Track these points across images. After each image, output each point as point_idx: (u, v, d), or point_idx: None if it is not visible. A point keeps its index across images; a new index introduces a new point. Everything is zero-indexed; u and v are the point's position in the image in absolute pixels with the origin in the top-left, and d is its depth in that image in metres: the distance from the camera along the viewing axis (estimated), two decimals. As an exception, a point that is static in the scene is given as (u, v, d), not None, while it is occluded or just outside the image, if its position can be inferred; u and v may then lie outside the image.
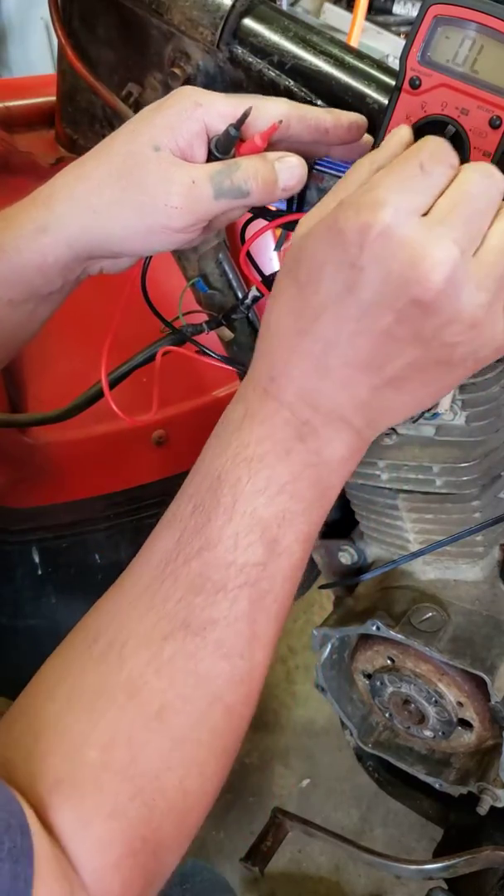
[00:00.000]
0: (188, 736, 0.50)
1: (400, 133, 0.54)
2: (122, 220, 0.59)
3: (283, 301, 0.52)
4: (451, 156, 0.51)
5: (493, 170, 0.51)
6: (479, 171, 0.50)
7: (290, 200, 0.72)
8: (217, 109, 0.59)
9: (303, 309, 0.51)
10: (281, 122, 0.59)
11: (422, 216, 0.48)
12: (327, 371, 0.51)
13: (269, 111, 0.59)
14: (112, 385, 0.95)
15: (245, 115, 0.58)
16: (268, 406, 0.53)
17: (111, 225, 0.60)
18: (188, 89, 0.61)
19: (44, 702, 0.49)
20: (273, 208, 0.72)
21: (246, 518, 0.51)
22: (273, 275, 0.78)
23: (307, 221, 0.52)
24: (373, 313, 0.48)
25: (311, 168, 0.63)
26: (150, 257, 0.68)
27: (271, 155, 0.59)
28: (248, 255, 0.73)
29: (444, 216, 0.47)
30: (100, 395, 0.96)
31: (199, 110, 0.59)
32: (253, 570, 0.51)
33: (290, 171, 0.58)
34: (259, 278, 0.80)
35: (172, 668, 0.50)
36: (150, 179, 0.58)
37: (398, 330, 0.49)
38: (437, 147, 0.51)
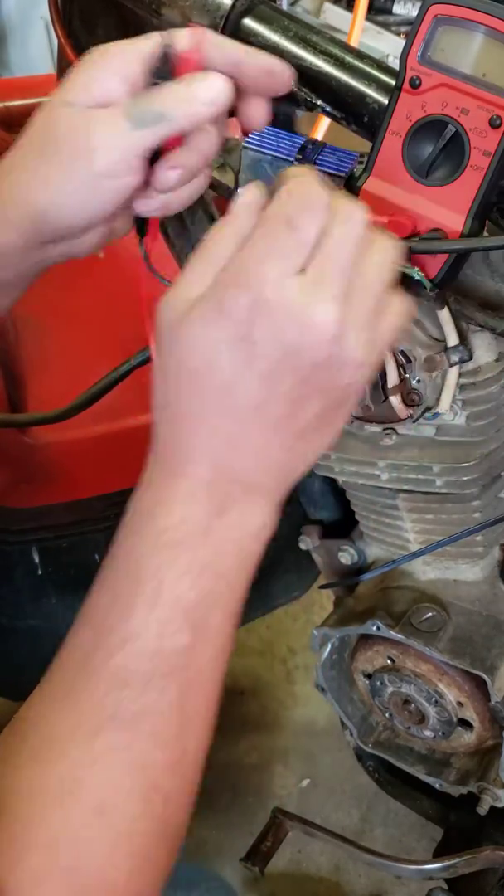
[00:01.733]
0: (131, 829, 0.49)
1: (248, 198, 0.52)
2: (51, 183, 0.57)
3: (176, 385, 0.52)
4: (316, 195, 0.50)
5: (353, 210, 0.51)
6: (341, 220, 0.50)
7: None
8: (127, 51, 0.57)
9: (203, 390, 0.51)
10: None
11: (300, 274, 0.49)
12: (240, 444, 0.52)
13: (182, 38, 0.57)
14: (112, 386, 0.95)
15: (166, 45, 0.56)
16: (182, 488, 0.52)
17: (43, 192, 0.57)
18: (96, 48, 0.58)
19: None
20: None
21: (169, 605, 0.50)
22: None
23: (176, 303, 0.51)
24: (274, 381, 0.50)
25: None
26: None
27: (193, 76, 0.57)
28: None
29: (320, 274, 0.49)
30: (100, 395, 0.95)
31: (107, 58, 0.57)
32: (180, 656, 0.51)
33: (208, 84, 0.55)
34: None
35: (106, 762, 0.49)
36: (65, 132, 0.56)
37: (300, 389, 0.50)
38: (300, 195, 0.50)
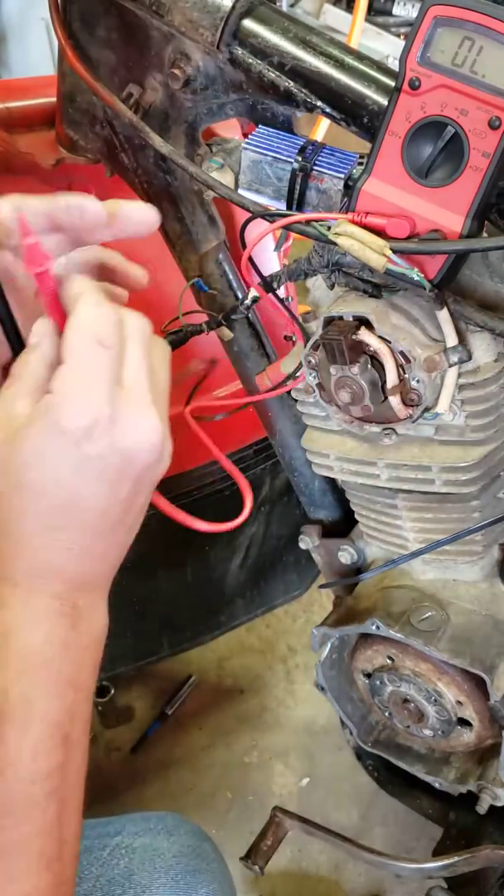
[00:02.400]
0: None
1: (41, 327, 0.55)
2: None
3: (18, 503, 0.52)
4: (110, 314, 0.53)
5: (137, 319, 0.55)
6: (133, 331, 0.54)
7: (289, 200, 0.72)
8: None
9: (48, 506, 0.52)
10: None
11: (119, 387, 0.52)
12: (86, 552, 0.54)
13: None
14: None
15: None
16: (37, 606, 0.53)
17: None
18: None
19: None
20: (272, 208, 0.73)
21: (41, 727, 0.51)
22: (273, 275, 0.79)
23: (2, 423, 0.52)
24: (115, 489, 0.53)
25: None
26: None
27: None
28: (251, 259, 0.74)
29: (136, 385, 0.53)
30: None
31: None
32: (56, 773, 0.51)
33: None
34: (258, 280, 0.80)
35: None
36: None
37: (134, 489, 0.54)
38: (98, 315, 0.53)
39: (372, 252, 0.64)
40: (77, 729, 0.53)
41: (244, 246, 0.76)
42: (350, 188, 0.68)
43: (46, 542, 0.53)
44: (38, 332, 0.55)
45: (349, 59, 0.70)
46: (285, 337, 0.96)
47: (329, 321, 0.77)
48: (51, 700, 0.52)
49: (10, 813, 0.49)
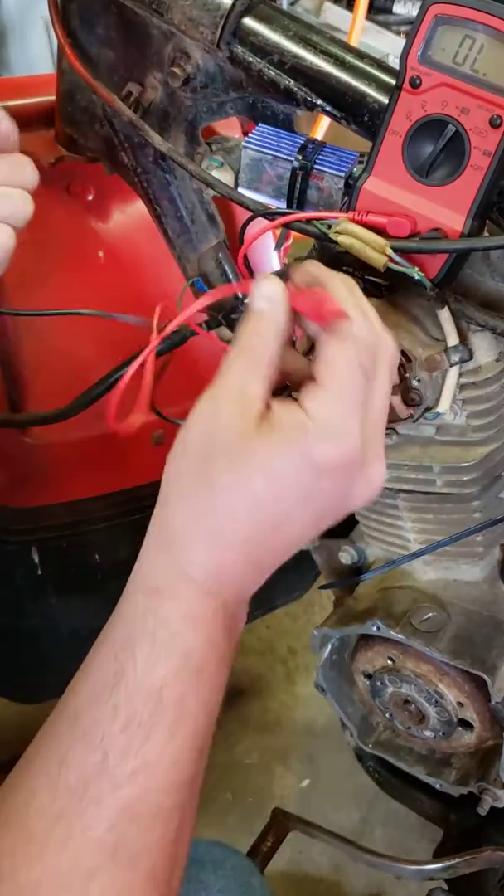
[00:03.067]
0: None
1: (270, 294, 0.52)
2: None
3: (227, 502, 0.49)
4: (372, 333, 0.51)
5: (391, 347, 0.54)
6: (384, 367, 0.53)
7: (290, 199, 0.72)
8: None
9: (258, 521, 0.50)
10: None
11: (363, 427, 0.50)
12: (266, 570, 0.53)
13: None
14: (112, 385, 0.95)
15: None
16: (208, 608, 0.50)
17: None
18: None
19: None
20: (273, 207, 0.72)
21: (189, 734, 0.48)
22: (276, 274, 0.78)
23: (242, 407, 0.50)
24: (321, 523, 0.52)
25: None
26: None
27: None
28: (245, 257, 0.73)
29: (373, 428, 0.51)
30: (100, 395, 0.96)
31: None
32: (190, 786, 0.48)
33: None
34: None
35: None
36: None
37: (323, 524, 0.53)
38: (364, 334, 0.51)
39: (372, 251, 0.64)
40: (208, 741, 0.50)
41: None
42: (350, 187, 0.68)
43: (240, 552, 0.50)
44: (267, 296, 0.51)
45: (349, 58, 0.70)
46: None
47: (329, 321, 0.76)
48: (200, 709, 0.49)
49: (135, 820, 0.46)
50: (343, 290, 0.52)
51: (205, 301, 0.58)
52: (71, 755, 0.47)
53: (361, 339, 0.50)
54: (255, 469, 0.48)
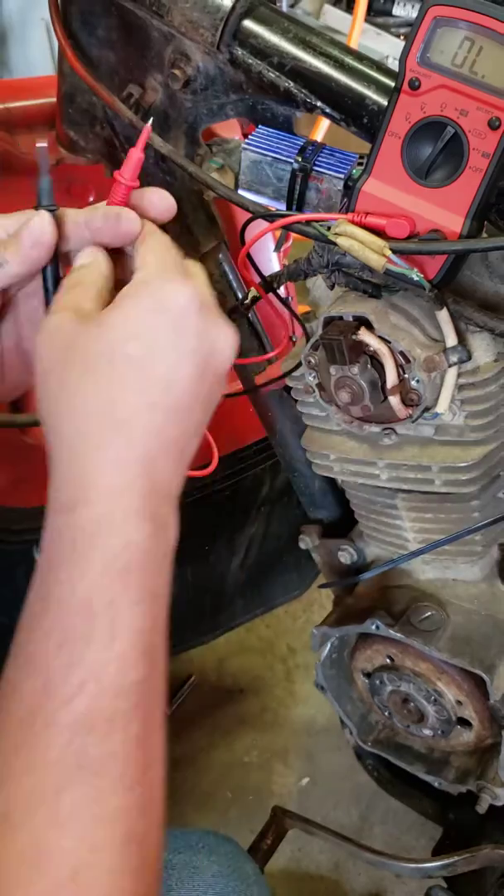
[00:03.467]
0: (111, 886, 0.45)
1: (92, 251, 0.58)
2: None
3: (107, 377, 0.50)
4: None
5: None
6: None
7: (289, 200, 0.72)
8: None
9: (143, 383, 0.50)
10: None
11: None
12: (171, 447, 0.51)
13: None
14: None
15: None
16: (123, 504, 0.49)
17: None
18: None
19: None
20: (273, 209, 0.73)
21: (126, 637, 0.47)
22: (273, 275, 0.79)
23: (82, 302, 0.53)
24: (202, 377, 0.52)
25: None
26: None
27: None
28: (248, 256, 0.74)
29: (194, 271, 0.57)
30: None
31: None
32: (140, 688, 0.47)
33: (31, 231, 0.58)
34: (258, 279, 0.80)
35: (76, 820, 0.44)
36: None
37: (211, 389, 0.53)
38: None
39: (371, 252, 0.64)
40: (159, 640, 0.49)
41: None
42: (350, 188, 0.68)
43: (134, 425, 0.49)
44: (90, 252, 0.57)
45: (349, 60, 0.70)
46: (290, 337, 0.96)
47: (329, 321, 0.77)
48: (133, 608, 0.47)
49: (92, 729, 0.45)
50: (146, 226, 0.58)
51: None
52: (17, 687, 0.47)
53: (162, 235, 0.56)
54: (120, 337, 0.50)
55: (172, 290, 0.51)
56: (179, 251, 0.56)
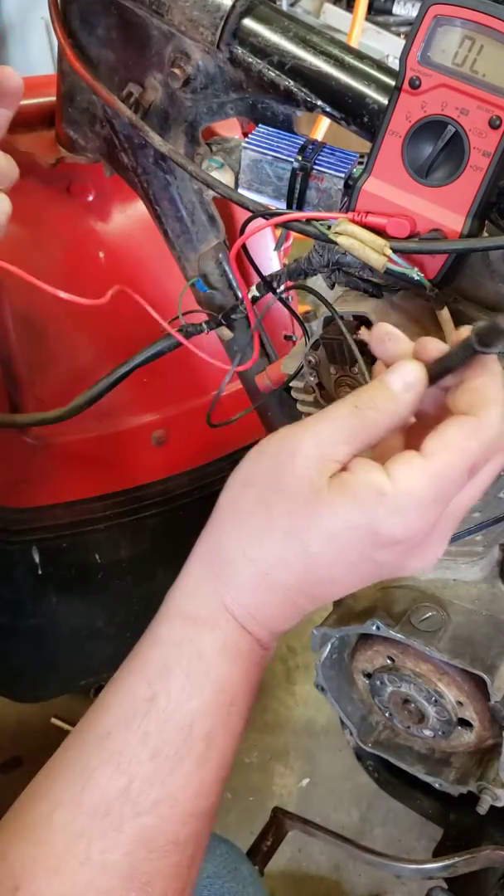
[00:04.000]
0: None
1: (411, 378, 0.48)
2: None
3: (284, 551, 0.49)
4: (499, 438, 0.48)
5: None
6: (481, 482, 0.50)
7: (290, 199, 0.72)
8: None
9: (308, 575, 0.49)
10: None
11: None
12: (302, 613, 0.52)
13: None
14: (112, 386, 0.95)
15: None
16: (244, 642, 0.51)
17: None
18: None
19: None
20: (272, 207, 0.72)
21: (215, 766, 0.49)
22: (273, 275, 0.79)
23: (324, 455, 0.48)
24: (369, 579, 0.51)
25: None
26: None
27: None
28: (245, 249, 0.73)
29: (454, 513, 0.49)
30: (100, 395, 0.96)
31: None
32: (208, 815, 0.49)
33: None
34: (253, 273, 0.80)
35: None
36: None
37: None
38: (498, 438, 0.47)
39: (372, 251, 0.64)
40: (230, 770, 0.51)
41: (244, 247, 0.76)
42: (350, 187, 0.68)
43: (283, 596, 0.50)
44: (406, 382, 0.48)
45: (349, 59, 0.70)
46: (286, 336, 0.96)
47: (329, 321, 0.76)
48: (227, 741, 0.49)
49: (150, 846, 0.46)
50: (489, 383, 0.48)
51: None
52: (96, 776, 0.48)
53: (488, 436, 0.46)
54: (316, 528, 0.47)
55: (396, 525, 0.46)
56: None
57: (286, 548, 0.48)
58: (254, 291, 0.80)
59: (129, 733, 0.48)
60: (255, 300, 0.81)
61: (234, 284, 0.94)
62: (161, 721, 0.48)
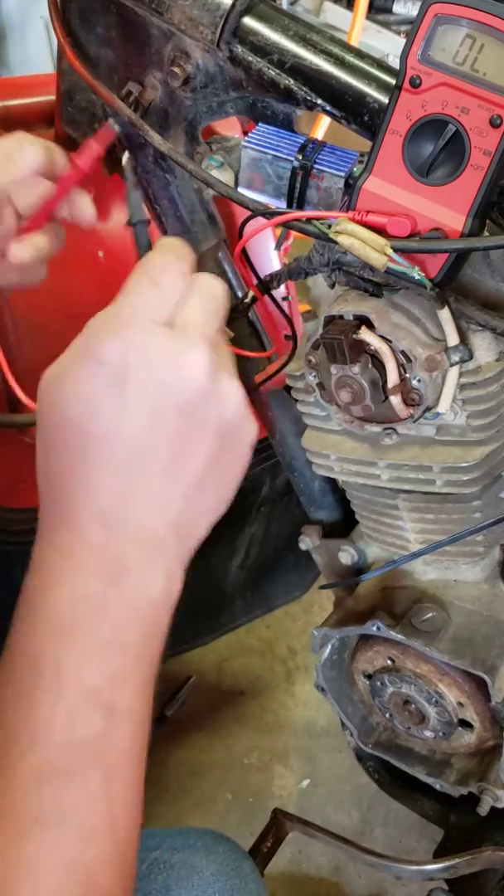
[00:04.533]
0: None
1: None
2: None
3: (57, 445, 0.50)
4: (175, 263, 0.53)
5: (211, 282, 0.54)
6: (199, 287, 0.53)
7: (290, 198, 0.72)
8: None
9: (83, 444, 0.49)
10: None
11: (167, 325, 0.50)
12: (130, 496, 0.50)
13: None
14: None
15: None
16: (72, 560, 0.50)
17: None
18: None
19: None
20: (272, 206, 0.72)
21: (74, 692, 0.47)
22: (273, 274, 0.78)
23: (53, 368, 0.50)
24: (155, 422, 0.49)
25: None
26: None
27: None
28: (244, 252, 0.73)
29: (185, 325, 0.50)
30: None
31: None
32: (97, 743, 0.48)
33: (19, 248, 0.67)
34: (254, 275, 0.80)
35: (36, 865, 0.45)
36: None
37: (184, 429, 0.50)
38: (160, 260, 0.53)
39: (372, 251, 0.64)
40: (124, 696, 0.49)
41: (242, 249, 0.75)
42: (350, 186, 0.68)
43: (80, 484, 0.49)
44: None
45: (349, 57, 0.70)
46: (286, 336, 0.96)
47: (329, 320, 0.76)
48: (83, 664, 0.48)
49: (48, 781, 0.46)
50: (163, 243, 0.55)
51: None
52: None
53: (153, 263, 0.53)
54: (60, 398, 0.49)
55: (109, 342, 0.49)
56: (175, 263, 0.53)
57: (94, 442, 0.49)
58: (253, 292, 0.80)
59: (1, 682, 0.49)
60: (254, 300, 0.80)
61: (234, 284, 0.94)
62: (11, 662, 0.49)
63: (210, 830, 0.88)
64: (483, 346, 0.73)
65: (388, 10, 2.99)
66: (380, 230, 0.64)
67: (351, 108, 0.69)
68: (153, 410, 0.49)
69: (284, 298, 0.84)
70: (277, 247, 0.86)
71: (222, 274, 0.93)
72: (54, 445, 0.50)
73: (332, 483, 1.03)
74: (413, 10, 2.94)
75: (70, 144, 0.97)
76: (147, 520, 0.50)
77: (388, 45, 2.79)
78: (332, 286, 0.77)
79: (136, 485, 0.50)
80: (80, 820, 0.47)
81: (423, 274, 0.65)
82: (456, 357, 0.72)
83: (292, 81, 0.71)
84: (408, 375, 0.74)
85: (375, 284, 0.72)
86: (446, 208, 0.63)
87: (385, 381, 0.74)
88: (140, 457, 0.49)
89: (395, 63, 0.64)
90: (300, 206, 0.72)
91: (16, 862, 0.45)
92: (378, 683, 0.95)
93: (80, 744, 0.47)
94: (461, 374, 0.74)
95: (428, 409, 0.75)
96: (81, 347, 0.49)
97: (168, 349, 0.49)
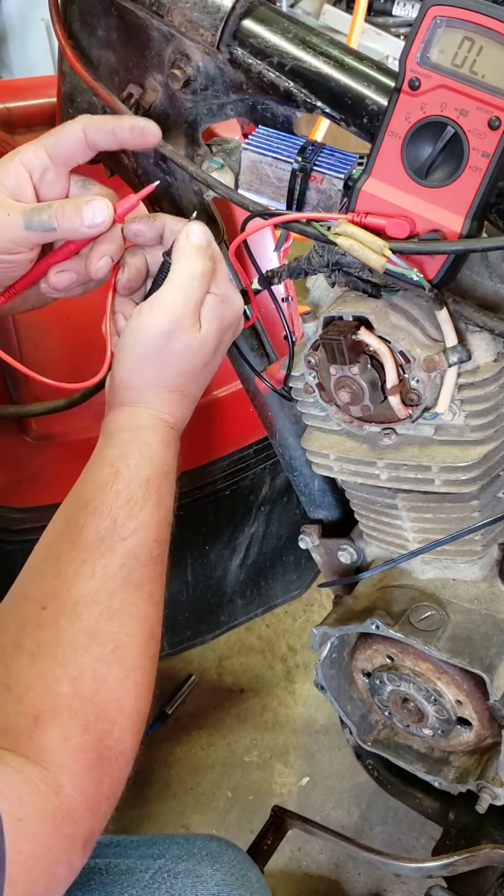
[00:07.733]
0: (137, 664, 0.65)
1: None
2: None
3: (141, 358, 0.72)
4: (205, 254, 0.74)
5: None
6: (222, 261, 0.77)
7: (289, 200, 0.73)
8: (29, 152, 0.71)
9: (194, 373, 0.74)
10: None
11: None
12: (194, 400, 0.77)
13: (71, 133, 0.71)
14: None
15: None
16: (172, 435, 0.74)
17: None
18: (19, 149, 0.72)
19: (11, 656, 0.62)
20: (272, 208, 0.73)
21: (164, 509, 0.71)
22: (270, 272, 0.79)
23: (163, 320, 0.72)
24: (220, 349, 0.76)
25: None
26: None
27: (83, 198, 0.71)
28: (246, 245, 0.74)
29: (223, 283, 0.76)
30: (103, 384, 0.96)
31: (15, 157, 0.70)
32: (166, 543, 0.71)
33: (93, 211, 0.69)
34: (253, 272, 0.80)
35: (121, 615, 0.65)
36: None
37: (223, 344, 0.77)
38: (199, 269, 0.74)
39: (371, 252, 0.64)
40: (172, 519, 0.73)
41: (245, 245, 0.76)
42: (350, 188, 0.68)
43: (180, 392, 0.74)
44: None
45: (349, 60, 0.70)
46: (286, 336, 0.96)
47: (329, 321, 0.77)
48: (169, 496, 0.72)
49: (138, 558, 0.67)
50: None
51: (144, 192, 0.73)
52: (88, 524, 0.67)
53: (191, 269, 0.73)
54: (175, 349, 0.72)
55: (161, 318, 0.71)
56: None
57: (158, 364, 0.72)
58: (255, 285, 0.80)
59: (105, 494, 0.69)
60: (256, 292, 0.81)
61: (235, 283, 0.94)
62: (127, 482, 0.69)
63: (216, 837, 0.87)
64: (481, 347, 0.74)
65: (388, 13, 3.00)
66: (379, 232, 0.65)
67: (350, 111, 0.70)
68: (219, 342, 0.75)
69: (284, 300, 0.84)
70: (277, 248, 0.86)
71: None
72: (145, 358, 0.72)
73: (331, 483, 1.03)
74: (412, 13, 2.94)
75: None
76: (183, 408, 0.76)
77: (387, 47, 2.79)
78: (332, 287, 0.78)
79: (188, 386, 0.75)
80: (152, 589, 0.69)
81: (422, 275, 0.65)
82: (454, 358, 0.72)
83: (292, 84, 0.71)
84: (406, 376, 0.74)
85: (374, 285, 0.72)
86: (445, 210, 0.63)
87: (384, 382, 0.75)
88: (199, 370, 0.75)
89: (394, 65, 0.65)
90: (300, 208, 0.72)
91: (107, 610, 0.65)
92: (377, 681, 0.95)
93: (161, 541, 0.70)
94: (459, 375, 0.74)
95: (426, 409, 0.76)
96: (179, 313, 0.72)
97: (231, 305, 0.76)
